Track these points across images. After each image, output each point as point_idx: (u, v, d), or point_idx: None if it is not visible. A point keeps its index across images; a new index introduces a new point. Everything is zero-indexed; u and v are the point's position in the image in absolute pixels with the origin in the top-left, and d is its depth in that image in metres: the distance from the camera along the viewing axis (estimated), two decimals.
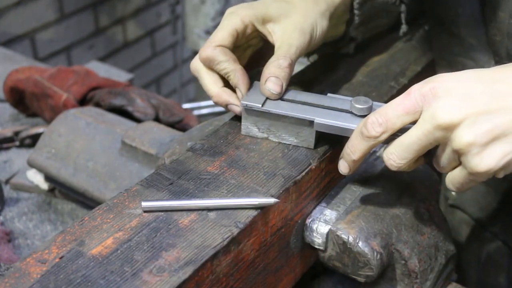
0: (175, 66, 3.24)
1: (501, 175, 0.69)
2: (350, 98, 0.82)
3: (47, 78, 1.48)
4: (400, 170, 0.74)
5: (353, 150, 0.75)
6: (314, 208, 0.83)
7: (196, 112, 2.17)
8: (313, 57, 1.03)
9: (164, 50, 3.17)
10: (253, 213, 0.71)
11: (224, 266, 0.67)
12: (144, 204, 0.69)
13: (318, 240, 0.81)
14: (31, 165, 1.28)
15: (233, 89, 0.85)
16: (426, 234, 0.86)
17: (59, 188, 1.31)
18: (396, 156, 0.72)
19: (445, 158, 0.72)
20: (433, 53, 1.07)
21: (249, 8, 0.85)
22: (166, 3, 3.03)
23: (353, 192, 0.85)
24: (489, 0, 0.90)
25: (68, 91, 1.44)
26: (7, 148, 1.47)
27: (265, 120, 0.82)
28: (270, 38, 0.86)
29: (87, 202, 1.25)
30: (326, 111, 0.81)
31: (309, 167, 0.79)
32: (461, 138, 0.67)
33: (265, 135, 0.83)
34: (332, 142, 0.83)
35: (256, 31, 0.87)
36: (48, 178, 1.29)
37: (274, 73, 0.81)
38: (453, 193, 1.17)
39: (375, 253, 0.79)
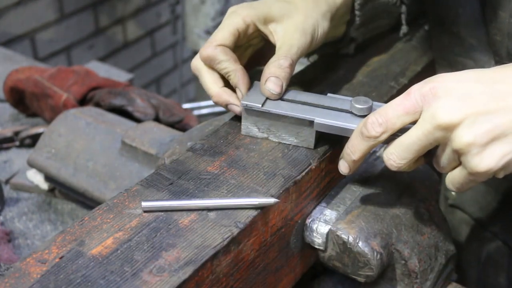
0: (175, 66, 3.24)
1: (501, 175, 0.69)
2: (350, 98, 0.82)
3: (47, 78, 1.48)
4: (400, 170, 0.74)
5: (353, 150, 0.75)
6: (314, 208, 0.83)
7: (196, 112, 2.17)
8: (313, 57, 1.03)
9: (164, 50, 3.17)
10: (253, 213, 0.71)
11: (224, 266, 0.67)
12: (144, 204, 0.69)
13: (318, 240, 0.81)
14: (31, 165, 1.28)
15: (233, 89, 0.85)
16: (426, 234, 0.86)
17: (59, 188, 1.31)
18: (396, 156, 0.72)
19: (445, 158, 0.72)
20: (433, 53, 1.07)
21: (251, 8, 0.85)
22: (166, 3, 3.03)
23: (353, 192, 0.85)
24: (490, 0, 0.90)
25: (68, 91, 1.44)
26: (7, 148, 1.47)
27: (265, 120, 0.82)
28: (271, 38, 0.87)
29: (87, 202, 1.25)
30: (326, 111, 0.81)
31: (309, 167, 0.79)
32: (461, 138, 0.67)
33: (265, 135, 0.83)
34: (332, 142, 0.83)
35: (257, 31, 0.87)
36: (48, 178, 1.29)
37: (275, 73, 0.82)
38: (453, 193, 1.17)
39: (375, 253, 0.79)
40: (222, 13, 2.88)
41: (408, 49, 1.09)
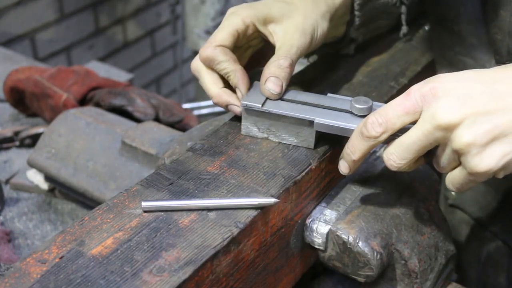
0: (175, 66, 3.24)
1: (501, 175, 0.69)
2: (350, 98, 0.82)
3: (47, 78, 1.48)
4: (400, 170, 0.74)
5: (353, 150, 0.75)
6: (314, 208, 0.83)
7: (196, 112, 2.17)
8: (313, 58, 1.03)
9: (164, 50, 3.17)
10: (253, 213, 0.71)
11: (224, 266, 0.67)
12: (144, 204, 0.69)
13: (318, 240, 0.81)
14: (31, 165, 1.28)
15: (233, 89, 0.85)
16: (426, 234, 0.86)
17: (59, 188, 1.31)
18: (396, 156, 0.72)
19: (445, 158, 0.72)
20: (434, 53, 1.07)
21: (250, 8, 0.85)
22: (166, 3, 3.03)
23: (353, 192, 0.85)
24: None
25: (68, 91, 1.44)
26: (7, 148, 1.47)
27: (265, 120, 0.82)
28: (271, 39, 0.87)
29: (87, 202, 1.25)
30: (326, 111, 0.81)
31: (309, 167, 0.79)
32: (460, 138, 0.67)
33: (265, 135, 0.83)
34: (332, 142, 0.83)
35: (257, 32, 0.87)
36: (48, 178, 1.29)
37: (274, 73, 0.82)
38: (453, 193, 1.17)
39: (375, 253, 0.79)
40: (222, 13, 2.88)
41: (408, 49, 1.09)
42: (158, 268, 0.62)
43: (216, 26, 2.65)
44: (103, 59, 2.75)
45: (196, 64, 0.86)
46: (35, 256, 0.63)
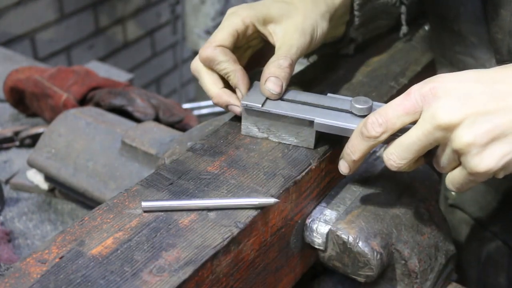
0: (175, 66, 3.24)
1: (501, 175, 0.69)
2: (350, 98, 0.82)
3: (47, 78, 1.48)
4: (400, 170, 0.74)
5: (353, 150, 0.75)
6: (314, 208, 0.83)
7: (196, 112, 2.17)
8: (313, 58, 1.03)
9: (164, 50, 3.17)
10: (253, 213, 0.71)
11: (224, 266, 0.67)
12: (144, 204, 0.69)
13: (318, 240, 0.81)
14: (31, 165, 1.28)
15: (233, 89, 0.85)
16: (426, 234, 0.86)
17: (59, 188, 1.31)
18: (396, 156, 0.72)
19: (445, 158, 0.72)
20: (434, 52, 1.07)
21: (250, 8, 0.85)
22: (166, 3, 3.03)
23: (353, 192, 0.85)
24: None
25: (68, 91, 1.44)
26: (7, 148, 1.47)
27: (265, 120, 0.82)
28: (270, 39, 0.87)
29: (87, 202, 1.25)
30: (326, 111, 0.81)
31: (309, 167, 0.79)
32: (461, 138, 0.67)
33: (265, 135, 0.83)
34: (332, 142, 0.83)
35: (256, 32, 0.87)
36: (48, 178, 1.29)
37: (274, 73, 0.82)
38: (453, 193, 1.17)
39: (375, 253, 0.79)
40: (222, 13, 2.88)
41: (408, 49, 1.09)
42: (158, 268, 0.62)
43: (216, 26, 2.65)
44: (103, 59, 2.75)
45: (196, 65, 0.86)
46: (35, 256, 0.63)
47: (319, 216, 0.82)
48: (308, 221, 0.82)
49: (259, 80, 0.83)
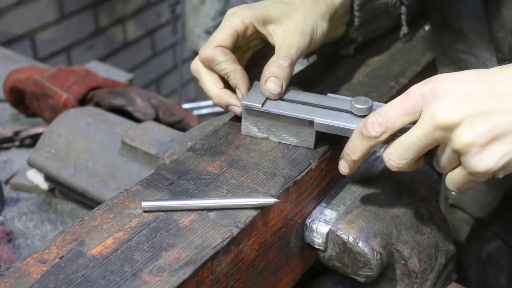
0: (175, 66, 3.24)
1: (501, 175, 0.69)
2: (350, 98, 0.82)
3: (47, 78, 1.48)
4: (400, 170, 0.74)
5: (353, 150, 0.75)
6: (314, 208, 0.83)
7: (196, 112, 2.18)
8: (313, 58, 1.03)
9: (164, 50, 3.17)
10: (253, 213, 0.71)
11: (224, 266, 0.67)
12: (144, 204, 0.69)
13: (318, 240, 0.81)
14: (31, 165, 1.28)
15: (233, 90, 0.85)
16: (426, 234, 0.86)
17: (59, 188, 1.31)
18: (396, 156, 0.72)
19: (445, 158, 0.72)
20: (435, 51, 1.07)
21: (250, 9, 0.85)
22: (166, 3, 3.04)
23: (353, 192, 0.85)
24: None
25: (68, 91, 1.44)
26: (7, 148, 1.47)
27: (265, 120, 0.82)
28: (270, 40, 0.87)
29: (87, 202, 1.25)
30: (326, 111, 0.81)
31: (309, 167, 0.79)
32: (460, 138, 0.67)
33: (265, 135, 0.83)
34: (332, 142, 0.83)
35: (256, 32, 0.87)
36: (48, 178, 1.29)
37: (274, 73, 0.82)
38: (453, 192, 1.17)
39: (375, 253, 0.79)
40: (222, 13, 2.88)
41: (408, 49, 1.09)
42: (158, 268, 0.62)
43: (216, 26, 2.65)
44: (103, 59, 2.75)
45: (196, 65, 0.86)
46: (35, 256, 0.63)
47: (319, 216, 0.82)
48: (308, 221, 0.82)
49: (259, 80, 0.83)
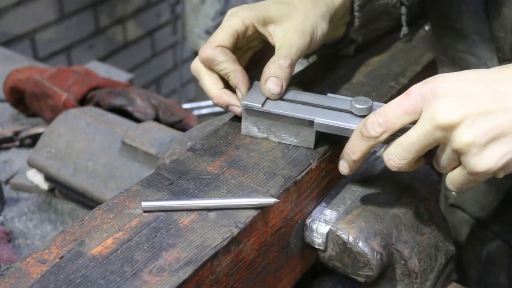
0: (175, 66, 3.24)
1: (501, 175, 0.69)
2: (350, 98, 0.82)
3: (47, 78, 1.48)
4: (400, 170, 0.74)
5: (353, 150, 0.75)
6: (314, 208, 0.83)
7: (196, 112, 2.18)
8: (313, 58, 1.03)
9: (164, 50, 3.17)
10: (253, 213, 0.71)
11: (224, 266, 0.67)
12: (144, 204, 0.69)
13: (318, 240, 0.81)
14: (31, 165, 1.28)
15: (233, 90, 0.85)
16: (426, 234, 0.86)
17: (59, 188, 1.31)
18: (396, 156, 0.72)
19: (445, 158, 0.72)
20: (435, 51, 1.07)
21: (250, 9, 0.85)
22: (166, 3, 3.03)
23: (353, 192, 0.85)
24: None
25: (68, 91, 1.44)
26: (7, 148, 1.47)
27: (265, 120, 0.82)
28: (270, 40, 0.87)
29: (87, 202, 1.25)
30: (326, 111, 0.81)
31: (309, 167, 0.79)
32: (460, 138, 0.67)
33: (265, 135, 0.83)
34: (332, 142, 0.83)
35: (256, 33, 0.87)
36: (48, 178, 1.29)
37: (274, 73, 0.82)
38: (453, 192, 1.17)
39: (375, 253, 0.79)
40: (222, 13, 2.88)
41: (408, 49, 1.09)
42: (158, 268, 0.62)
43: (216, 26, 2.65)
44: (103, 59, 2.75)
45: (196, 65, 0.86)
46: (35, 256, 0.63)
47: (319, 216, 0.82)
48: (308, 221, 0.82)
49: (259, 80, 0.83)
